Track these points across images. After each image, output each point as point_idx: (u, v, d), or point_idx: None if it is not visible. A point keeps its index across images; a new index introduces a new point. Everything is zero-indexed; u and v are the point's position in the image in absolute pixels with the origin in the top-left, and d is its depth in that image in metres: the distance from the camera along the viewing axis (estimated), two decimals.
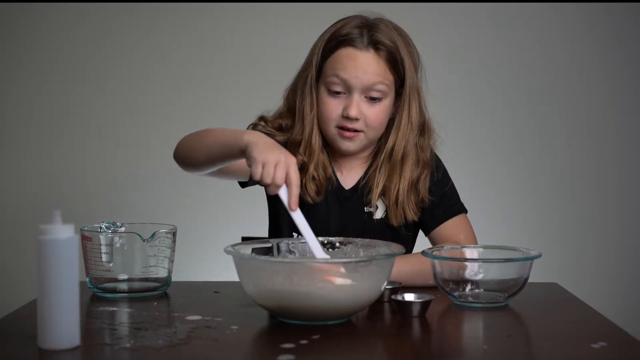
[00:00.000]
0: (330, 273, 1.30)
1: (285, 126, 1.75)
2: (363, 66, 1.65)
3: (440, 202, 1.76)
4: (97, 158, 2.85)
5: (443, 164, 1.80)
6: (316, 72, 1.70)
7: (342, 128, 1.69)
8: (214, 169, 1.64)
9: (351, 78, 1.66)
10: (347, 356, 1.20)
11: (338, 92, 1.68)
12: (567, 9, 2.83)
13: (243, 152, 1.45)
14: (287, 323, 1.33)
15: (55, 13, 2.82)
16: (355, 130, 1.69)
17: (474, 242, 1.74)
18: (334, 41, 1.68)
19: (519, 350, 1.23)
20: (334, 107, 1.69)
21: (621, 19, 2.83)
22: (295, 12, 2.82)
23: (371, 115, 1.68)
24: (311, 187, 1.72)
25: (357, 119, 1.67)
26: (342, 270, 1.31)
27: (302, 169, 1.71)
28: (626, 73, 2.85)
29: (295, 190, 1.39)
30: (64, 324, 1.17)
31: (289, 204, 1.40)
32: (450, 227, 1.75)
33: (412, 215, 1.73)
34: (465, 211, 1.79)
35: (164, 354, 1.18)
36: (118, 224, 1.57)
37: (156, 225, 1.56)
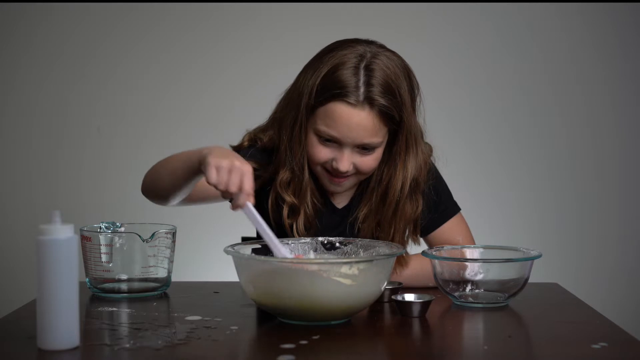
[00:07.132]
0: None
1: (273, 148, 1.67)
2: (357, 127, 1.54)
3: (436, 208, 1.72)
4: (96, 158, 2.85)
5: (440, 176, 1.74)
6: (306, 112, 1.59)
7: (330, 172, 1.62)
8: (181, 192, 1.56)
9: (343, 137, 1.56)
10: (347, 356, 1.20)
11: (329, 140, 1.59)
12: (567, 9, 2.83)
13: (200, 164, 1.39)
14: (287, 323, 1.33)
15: (55, 13, 2.82)
16: (346, 176, 1.62)
17: (471, 242, 1.73)
18: (327, 92, 1.55)
19: (519, 351, 1.23)
20: (323, 154, 1.60)
21: (621, 19, 2.83)
22: (296, 13, 2.82)
23: (363, 164, 1.60)
24: (302, 228, 1.64)
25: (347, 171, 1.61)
26: (343, 270, 1.31)
27: (294, 211, 1.65)
28: (626, 73, 2.85)
29: (243, 198, 1.37)
30: (63, 325, 1.17)
31: (233, 205, 1.38)
32: (447, 229, 1.73)
33: (410, 244, 1.71)
34: (459, 209, 1.75)
35: (163, 354, 1.18)
36: (118, 224, 1.57)
37: (156, 225, 1.56)
